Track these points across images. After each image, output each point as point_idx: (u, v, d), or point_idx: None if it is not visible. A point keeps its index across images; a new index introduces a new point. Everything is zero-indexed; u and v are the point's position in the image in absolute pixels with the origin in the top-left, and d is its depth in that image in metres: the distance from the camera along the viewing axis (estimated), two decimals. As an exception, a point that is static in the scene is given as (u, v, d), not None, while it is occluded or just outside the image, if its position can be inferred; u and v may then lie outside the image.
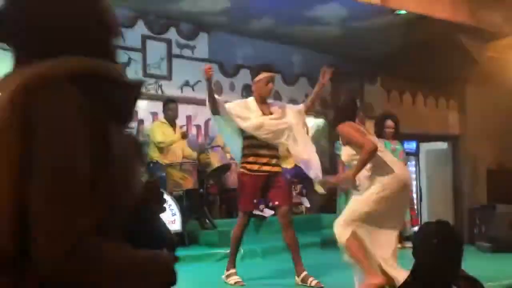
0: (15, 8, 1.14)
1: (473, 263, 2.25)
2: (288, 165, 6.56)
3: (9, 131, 1.02)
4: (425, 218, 10.41)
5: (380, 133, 7.76)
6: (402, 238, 7.45)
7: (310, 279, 4.78)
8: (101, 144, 1.08)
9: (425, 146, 11.61)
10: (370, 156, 4.28)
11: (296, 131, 4.89)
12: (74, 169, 1.03)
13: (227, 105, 4.88)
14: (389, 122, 7.69)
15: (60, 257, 1.00)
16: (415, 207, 8.07)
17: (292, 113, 4.99)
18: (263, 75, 4.92)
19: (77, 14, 1.18)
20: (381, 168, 4.33)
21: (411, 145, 10.87)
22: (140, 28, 8.38)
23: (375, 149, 4.29)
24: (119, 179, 1.11)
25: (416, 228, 7.29)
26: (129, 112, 1.21)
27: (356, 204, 4.40)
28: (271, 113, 4.91)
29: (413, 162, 11.07)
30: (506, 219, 6.98)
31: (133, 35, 8.25)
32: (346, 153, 4.56)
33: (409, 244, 7.25)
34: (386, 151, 4.65)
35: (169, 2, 8.21)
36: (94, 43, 1.20)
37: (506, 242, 6.79)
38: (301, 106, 5.21)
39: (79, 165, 1.04)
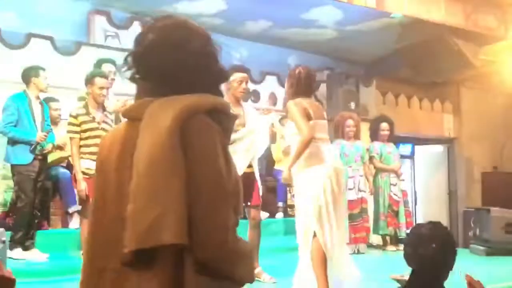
0: (154, 54, 1.50)
1: (467, 266, 2.24)
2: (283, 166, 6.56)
3: (171, 144, 1.33)
4: (420, 221, 10.42)
5: (375, 136, 7.78)
6: (397, 241, 7.47)
7: (264, 275, 4.91)
8: (228, 161, 1.42)
9: (420, 149, 11.63)
10: (304, 147, 4.03)
11: (256, 136, 4.88)
12: (223, 181, 1.38)
13: None
14: (384, 125, 7.71)
15: (219, 245, 1.35)
16: (410, 209, 8.07)
17: (256, 118, 5.02)
18: (236, 76, 4.91)
19: (201, 62, 1.54)
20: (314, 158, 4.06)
21: (406, 148, 10.88)
22: (136, 30, 8.34)
23: (310, 139, 4.03)
24: (236, 189, 1.45)
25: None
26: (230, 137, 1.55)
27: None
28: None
29: (409, 165, 11.08)
30: (500, 222, 6.99)
31: (129, 37, 8.22)
32: (289, 130, 4.31)
33: (393, 248, 7.32)
34: (325, 140, 4.24)
35: (165, 3, 8.20)
36: (213, 83, 1.55)
37: (501, 245, 6.80)
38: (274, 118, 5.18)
39: (224, 178, 1.38)
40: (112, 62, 6.18)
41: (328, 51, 10.07)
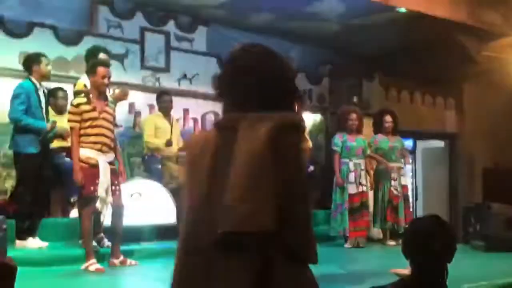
0: (248, 78, 1.79)
1: (467, 262, 2.25)
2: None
3: (267, 151, 1.64)
4: (420, 216, 10.41)
5: (378, 129, 7.76)
6: (396, 235, 7.47)
7: None
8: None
9: (421, 144, 11.62)
10: None
11: None
12: (306, 181, 1.77)
13: None
14: (388, 117, 7.71)
15: (307, 231, 1.71)
16: (410, 205, 8.08)
17: None
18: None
19: (285, 85, 1.84)
20: None
21: (407, 143, 10.86)
22: (139, 20, 8.34)
23: None
24: None
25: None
26: None
27: None
28: None
29: (410, 160, 11.07)
30: (501, 218, 6.98)
31: (131, 27, 8.21)
32: None
33: (393, 243, 7.32)
34: None
35: (169, -6, 8.19)
36: (291, 103, 1.86)
37: (501, 241, 6.80)
38: None
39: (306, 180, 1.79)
40: (106, 50, 6.15)
41: (331, 44, 10.04)
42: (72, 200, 6.22)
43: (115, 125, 5.47)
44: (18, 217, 5.54)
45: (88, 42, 7.72)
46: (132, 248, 5.72)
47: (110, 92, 5.85)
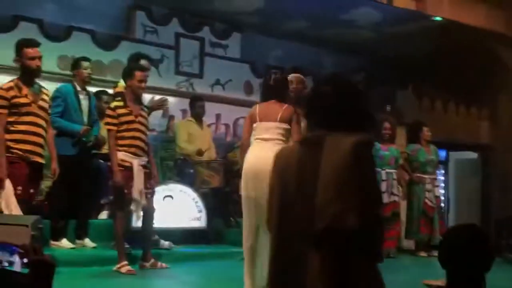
0: (334, 104, 2.18)
1: (499, 274, 2.21)
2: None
3: (351, 163, 2.00)
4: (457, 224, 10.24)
5: (414, 139, 7.71)
6: (429, 247, 7.39)
7: None
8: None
9: (454, 155, 11.47)
10: (241, 148, 4.55)
11: None
12: (379, 189, 2.29)
13: None
14: (426, 129, 7.68)
15: (380, 235, 2.10)
16: (444, 216, 8.00)
17: None
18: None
19: (362, 111, 2.23)
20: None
21: (440, 153, 10.74)
22: (174, 26, 8.45)
23: (243, 142, 4.52)
24: None
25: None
26: None
27: None
28: None
29: (442, 171, 10.93)
30: (535, 232, 6.88)
31: (167, 33, 8.32)
32: (285, 127, 4.40)
33: (436, 253, 7.21)
34: (269, 139, 4.34)
35: (204, 1, 8.27)
36: (368, 125, 2.26)
37: (534, 255, 6.69)
38: None
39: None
40: (148, 57, 6.23)
41: (365, 52, 10.00)
42: (102, 202, 6.30)
43: (148, 129, 5.51)
44: (52, 217, 5.65)
45: (124, 47, 7.87)
46: (163, 251, 5.78)
47: (148, 100, 5.90)
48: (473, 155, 11.57)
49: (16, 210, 4.36)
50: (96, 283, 4.85)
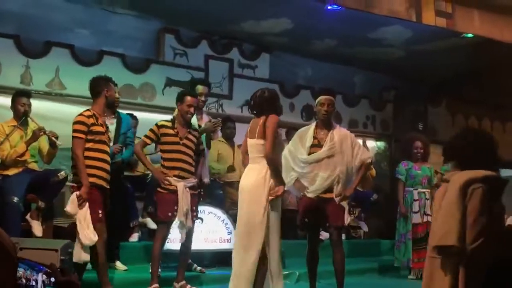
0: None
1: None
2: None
3: (459, 199, 2.86)
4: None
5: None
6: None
7: None
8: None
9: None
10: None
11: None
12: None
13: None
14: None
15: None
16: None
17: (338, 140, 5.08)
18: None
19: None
20: None
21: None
22: (204, 48, 8.52)
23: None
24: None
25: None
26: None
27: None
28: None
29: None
30: None
31: (196, 55, 8.39)
32: (260, 143, 4.42)
33: None
34: (252, 158, 4.51)
35: (232, 22, 8.33)
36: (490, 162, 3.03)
37: None
38: None
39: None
40: (205, 82, 6.26)
41: (395, 70, 9.92)
42: (132, 225, 6.31)
43: (196, 152, 5.49)
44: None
45: (154, 70, 7.96)
46: (193, 274, 5.74)
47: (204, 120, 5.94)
48: (510, 172, 11.29)
49: (91, 231, 4.55)
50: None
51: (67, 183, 5.47)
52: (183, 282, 5.32)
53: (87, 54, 7.53)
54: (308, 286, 5.11)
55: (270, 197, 4.29)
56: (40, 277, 1.67)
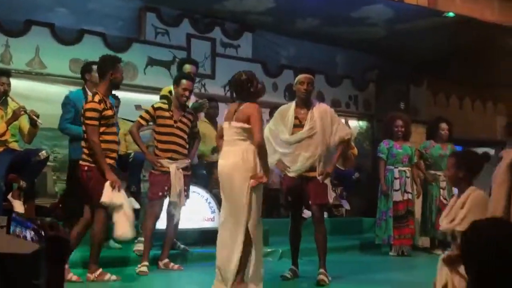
0: None
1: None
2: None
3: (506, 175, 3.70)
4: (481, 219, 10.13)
5: (432, 136, 7.63)
6: (444, 245, 7.30)
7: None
8: None
9: (471, 152, 11.34)
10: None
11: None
12: None
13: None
14: (444, 125, 7.58)
15: None
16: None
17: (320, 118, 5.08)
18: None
19: None
20: None
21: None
22: (186, 27, 8.45)
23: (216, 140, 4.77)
24: None
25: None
26: None
27: None
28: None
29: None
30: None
31: (178, 34, 8.32)
32: (239, 126, 4.38)
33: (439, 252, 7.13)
34: (227, 141, 4.44)
35: (215, 1, 8.26)
36: None
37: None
38: None
39: None
40: (194, 62, 6.26)
41: (377, 50, 9.94)
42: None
43: (188, 134, 5.51)
44: (64, 221, 5.67)
45: (136, 49, 7.89)
46: (177, 252, 5.77)
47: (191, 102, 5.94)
48: (490, 151, 11.43)
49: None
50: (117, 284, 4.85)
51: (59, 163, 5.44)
52: (167, 260, 5.37)
53: (67, 33, 7.44)
54: (291, 263, 5.16)
55: (253, 182, 4.29)
56: (29, 234, 1.71)
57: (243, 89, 4.45)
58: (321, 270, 4.86)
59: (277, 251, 6.35)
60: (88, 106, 4.70)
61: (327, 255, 4.99)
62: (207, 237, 6.25)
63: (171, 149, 5.27)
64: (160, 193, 5.21)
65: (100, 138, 4.70)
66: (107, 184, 4.62)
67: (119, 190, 4.67)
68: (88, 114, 4.67)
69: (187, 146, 5.45)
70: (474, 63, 9.67)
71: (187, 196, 5.45)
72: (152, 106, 5.35)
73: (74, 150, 5.74)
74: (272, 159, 4.93)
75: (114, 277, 4.80)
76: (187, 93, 5.33)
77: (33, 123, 5.46)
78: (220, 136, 4.61)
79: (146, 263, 5.15)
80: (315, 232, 4.98)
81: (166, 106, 5.32)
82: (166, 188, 5.20)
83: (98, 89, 4.84)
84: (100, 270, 4.77)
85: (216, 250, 4.38)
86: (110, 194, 4.60)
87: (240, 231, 4.27)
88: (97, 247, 4.76)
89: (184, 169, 5.33)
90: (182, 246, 5.92)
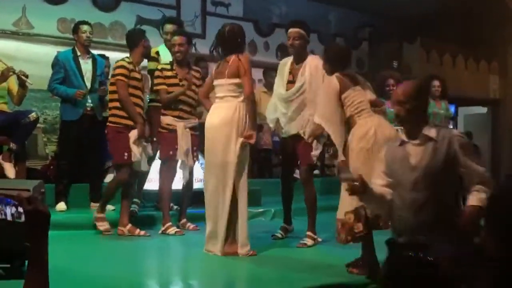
0: None
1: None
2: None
3: None
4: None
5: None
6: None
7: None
8: None
9: (463, 110, 11.35)
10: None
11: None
12: None
13: None
14: (436, 82, 7.55)
15: None
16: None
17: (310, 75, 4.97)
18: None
19: None
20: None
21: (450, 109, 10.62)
22: (175, -15, 8.29)
23: (201, 98, 4.82)
24: None
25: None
26: None
27: None
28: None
29: (451, 126, 10.84)
30: (545, 186, 6.81)
31: (167, -8, 8.17)
32: (232, 82, 4.33)
33: None
34: (219, 97, 4.41)
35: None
36: None
37: (544, 209, 6.65)
38: None
39: None
40: (175, 21, 6.18)
41: (370, 7, 9.81)
42: (106, 166, 6.28)
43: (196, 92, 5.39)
44: (57, 181, 5.67)
45: (124, 8, 7.76)
46: (172, 213, 5.77)
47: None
48: (482, 109, 11.45)
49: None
50: (113, 244, 4.87)
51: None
52: (184, 220, 5.50)
53: (54, -8, 7.28)
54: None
55: (243, 142, 4.25)
56: (9, 210, 1.70)
57: (236, 42, 4.38)
58: (308, 233, 4.81)
59: (270, 211, 6.36)
60: (117, 64, 5.06)
61: (319, 214, 4.99)
62: (199, 197, 6.26)
63: (178, 108, 5.21)
64: (171, 152, 5.20)
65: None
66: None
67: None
68: (117, 71, 5.01)
69: (196, 105, 5.37)
70: (468, 20, 9.58)
71: (196, 157, 5.42)
72: (158, 69, 5.31)
73: (61, 110, 5.73)
74: (272, 117, 4.94)
75: (143, 232, 5.06)
76: (177, 48, 5.23)
77: (22, 84, 5.39)
78: (206, 95, 4.56)
79: (170, 223, 5.25)
80: (304, 192, 4.94)
81: (168, 66, 5.29)
82: (176, 146, 5.19)
83: (133, 56, 5.10)
84: (130, 225, 5.07)
85: (205, 211, 4.38)
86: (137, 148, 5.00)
87: (227, 190, 4.25)
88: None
89: (191, 128, 5.28)
90: (175, 207, 5.93)
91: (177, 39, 5.28)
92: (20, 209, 1.70)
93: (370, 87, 4.20)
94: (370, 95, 3.98)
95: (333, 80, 3.90)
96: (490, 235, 1.96)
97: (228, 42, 4.38)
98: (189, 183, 5.44)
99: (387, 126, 3.94)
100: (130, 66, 5.02)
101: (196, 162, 5.63)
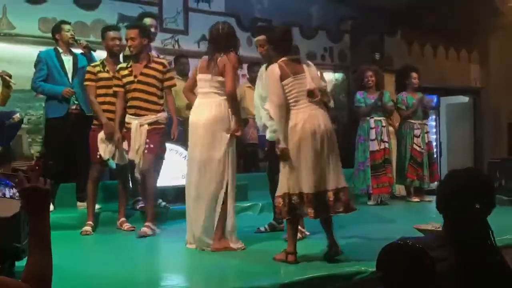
0: None
1: (492, 216, 2.18)
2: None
3: None
4: (445, 172, 10.33)
5: (402, 87, 7.67)
6: (421, 192, 7.45)
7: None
8: None
9: (445, 100, 11.46)
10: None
11: None
12: None
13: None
14: (414, 74, 7.62)
15: None
16: (435, 161, 8.03)
17: None
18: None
19: None
20: None
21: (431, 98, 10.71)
22: (156, -17, 8.25)
23: (185, 93, 4.83)
24: None
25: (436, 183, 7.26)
26: None
27: None
28: None
29: (433, 117, 10.94)
30: (527, 173, 6.92)
31: (149, -10, 8.13)
32: (214, 79, 4.40)
33: (428, 198, 7.27)
34: (202, 93, 4.48)
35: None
36: None
37: (527, 196, 6.75)
38: None
39: None
40: (154, 15, 6.28)
41: (351, 0, 9.84)
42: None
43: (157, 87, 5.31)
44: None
45: (106, 6, 7.71)
46: (160, 210, 5.79)
47: None
48: (464, 99, 11.57)
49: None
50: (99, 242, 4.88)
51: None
52: (123, 219, 5.47)
53: (34, -9, 7.22)
54: (272, 216, 5.21)
55: (230, 136, 4.29)
56: (8, 192, 1.80)
57: (226, 41, 4.41)
58: None
59: (257, 205, 6.41)
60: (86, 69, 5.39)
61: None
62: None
63: (133, 105, 5.17)
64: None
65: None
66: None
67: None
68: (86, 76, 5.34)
69: (158, 100, 5.26)
70: (449, 11, 9.64)
71: (155, 152, 5.21)
72: (117, 71, 5.28)
73: (46, 108, 5.75)
74: (261, 122, 4.95)
75: (128, 226, 5.34)
76: (130, 42, 5.18)
77: (6, 84, 5.38)
78: (190, 89, 4.58)
79: (124, 218, 5.39)
80: None
81: (124, 65, 5.28)
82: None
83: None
84: (123, 219, 5.38)
85: (186, 208, 4.42)
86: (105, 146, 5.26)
87: (214, 186, 4.28)
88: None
89: (151, 123, 5.14)
90: (163, 203, 5.95)
91: (128, 32, 5.21)
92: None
93: (317, 74, 4.14)
94: (310, 84, 3.93)
95: (275, 67, 3.94)
96: (445, 218, 2.14)
97: (218, 41, 4.41)
98: (143, 183, 5.27)
99: (318, 118, 3.89)
100: (96, 69, 5.31)
101: (185, 159, 5.64)
